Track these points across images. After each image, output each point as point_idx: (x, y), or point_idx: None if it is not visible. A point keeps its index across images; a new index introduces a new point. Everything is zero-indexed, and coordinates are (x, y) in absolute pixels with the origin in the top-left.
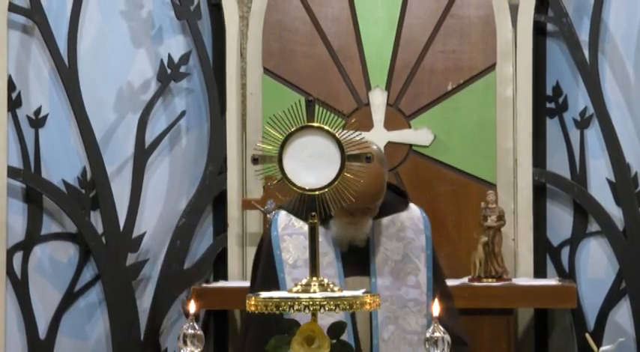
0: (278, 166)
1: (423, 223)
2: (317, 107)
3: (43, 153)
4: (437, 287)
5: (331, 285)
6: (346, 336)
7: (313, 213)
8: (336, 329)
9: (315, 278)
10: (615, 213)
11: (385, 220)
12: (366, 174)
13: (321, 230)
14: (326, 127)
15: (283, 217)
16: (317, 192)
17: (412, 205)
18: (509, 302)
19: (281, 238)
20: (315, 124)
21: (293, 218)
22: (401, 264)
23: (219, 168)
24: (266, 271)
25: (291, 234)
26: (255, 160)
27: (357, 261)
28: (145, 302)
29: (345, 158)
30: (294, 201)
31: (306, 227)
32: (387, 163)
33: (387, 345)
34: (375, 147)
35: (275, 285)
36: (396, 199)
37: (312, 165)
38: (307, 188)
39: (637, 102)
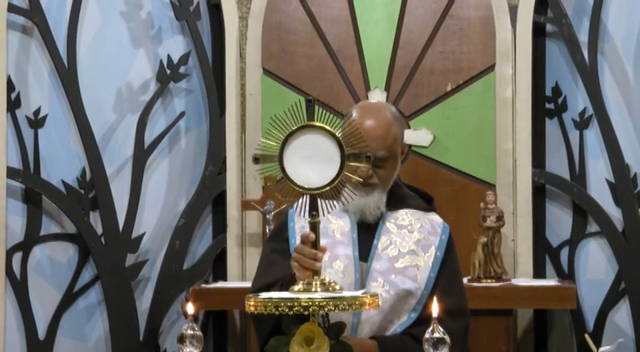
0: (279, 165)
1: (441, 228)
2: (317, 107)
3: (43, 153)
4: (443, 297)
5: (333, 284)
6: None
7: (314, 212)
8: (335, 329)
9: (317, 277)
10: (615, 213)
11: (401, 211)
12: (375, 117)
13: (336, 211)
14: (326, 127)
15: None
16: (317, 192)
17: (436, 214)
18: (508, 303)
19: (297, 215)
20: (316, 124)
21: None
22: (404, 255)
23: (218, 168)
24: (278, 232)
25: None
26: (257, 159)
27: (362, 244)
28: (144, 302)
29: (345, 157)
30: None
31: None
32: (401, 121)
33: (362, 326)
34: (392, 108)
35: (284, 243)
36: (419, 200)
37: (312, 164)
38: (307, 187)
39: (636, 102)
